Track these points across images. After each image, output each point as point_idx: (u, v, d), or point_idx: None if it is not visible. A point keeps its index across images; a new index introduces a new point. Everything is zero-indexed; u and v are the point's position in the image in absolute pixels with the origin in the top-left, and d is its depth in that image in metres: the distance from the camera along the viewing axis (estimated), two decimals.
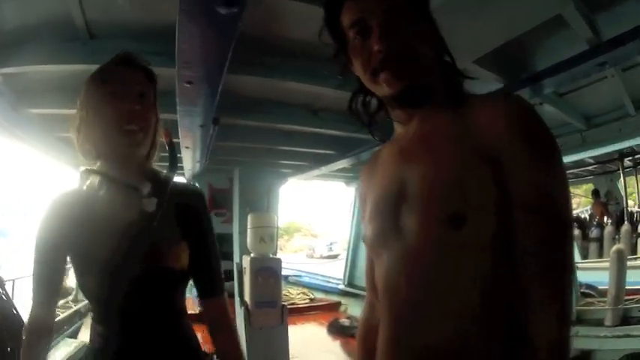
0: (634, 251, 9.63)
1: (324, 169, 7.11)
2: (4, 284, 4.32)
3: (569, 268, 1.16)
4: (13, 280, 4.61)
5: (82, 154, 1.74)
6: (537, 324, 1.08)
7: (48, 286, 1.72)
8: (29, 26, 3.21)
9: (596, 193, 13.25)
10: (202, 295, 1.88)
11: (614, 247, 6.20)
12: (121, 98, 1.62)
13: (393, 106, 1.41)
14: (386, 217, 1.32)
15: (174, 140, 2.17)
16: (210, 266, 1.86)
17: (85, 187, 1.68)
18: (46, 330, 1.76)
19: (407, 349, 1.24)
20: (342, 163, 6.55)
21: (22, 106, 4.32)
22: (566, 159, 6.62)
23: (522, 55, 3.59)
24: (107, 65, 1.74)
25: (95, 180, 1.66)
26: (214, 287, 1.90)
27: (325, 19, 1.45)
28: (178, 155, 1.96)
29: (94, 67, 3.74)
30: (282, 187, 8.32)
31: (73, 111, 3.54)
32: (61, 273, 1.73)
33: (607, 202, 12.98)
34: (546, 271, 1.10)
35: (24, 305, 4.62)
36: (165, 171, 1.80)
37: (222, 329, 1.90)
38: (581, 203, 21.76)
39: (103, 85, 1.67)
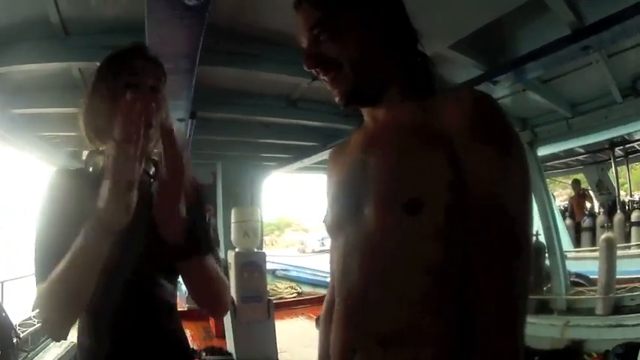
0: (627, 240, 9.71)
1: (306, 161, 7.11)
2: None
3: (518, 258, 1.10)
4: (2, 283, 4.55)
5: (87, 136, 1.72)
6: (485, 315, 1.09)
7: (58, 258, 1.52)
8: (5, 26, 3.21)
9: (577, 183, 13.36)
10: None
11: (603, 236, 6.20)
12: (137, 92, 1.57)
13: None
14: (344, 202, 1.33)
15: None
16: (198, 231, 1.69)
17: (90, 168, 1.68)
18: None
19: (359, 332, 1.24)
20: (324, 155, 6.43)
21: (4, 107, 4.31)
22: (555, 148, 6.61)
23: (502, 39, 3.55)
24: (121, 55, 1.69)
25: (101, 161, 1.67)
26: (199, 247, 1.70)
27: None
28: None
29: (73, 65, 3.71)
30: (265, 181, 8.30)
31: (54, 110, 3.44)
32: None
33: (585, 192, 13.10)
34: (494, 261, 1.09)
35: (12, 307, 4.59)
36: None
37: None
38: (570, 195, 21.99)
39: (119, 76, 1.63)
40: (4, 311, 4.36)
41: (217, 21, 2.66)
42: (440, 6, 2.45)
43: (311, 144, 6.47)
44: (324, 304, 1.66)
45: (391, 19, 1.32)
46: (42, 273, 1.51)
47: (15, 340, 4.33)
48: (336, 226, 1.36)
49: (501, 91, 4.13)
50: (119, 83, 1.61)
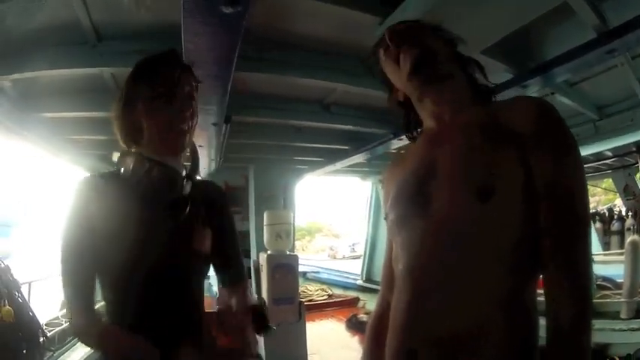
0: None
1: (338, 165, 7.12)
2: (20, 287, 4.38)
3: (586, 248, 1.23)
4: (29, 283, 4.67)
5: (120, 138, 1.80)
6: (559, 303, 1.18)
7: (87, 275, 1.68)
8: (36, 31, 3.25)
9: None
10: (224, 284, 1.96)
11: (630, 239, 6.13)
12: (173, 99, 1.70)
13: (423, 96, 1.54)
14: (412, 196, 1.40)
15: None
16: (230, 256, 1.95)
17: (122, 169, 1.75)
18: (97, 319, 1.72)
19: (418, 329, 1.28)
20: (357, 158, 6.56)
21: (33, 110, 4.38)
22: (583, 151, 6.61)
23: (530, 44, 3.60)
24: (155, 63, 1.78)
25: (132, 161, 1.73)
26: (235, 275, 1.98)
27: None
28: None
29: (104, 70, 3.79)
30: (298, 184, 8.34)
31: (85, 114, 3.56)
32: (95, 265, 1.70)
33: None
34: (565, 251, 1.19)
35: (39, 307, 4.70)
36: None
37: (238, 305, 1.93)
38: (600, 201, 21.54)
39: (154, 84, 1.71)
40: (32, 311, 4.45)
41: (250, 27, 2.70)
42: (472, 14, 2.52)
43: (343, 147, 6.50)
44: (374, 316, 1.72)
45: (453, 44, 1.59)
46: (68, 278, 1.64)
47: (42, 340, 4.41)
48: (402, 220, 1.43)
49: (530, 94, 4.17)
50: (155, 91, 1.70)
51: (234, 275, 1.98)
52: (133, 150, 1.78)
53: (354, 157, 6.54)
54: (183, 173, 1.80)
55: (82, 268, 1.65)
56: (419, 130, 1.66)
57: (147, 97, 1.72)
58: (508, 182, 1.23)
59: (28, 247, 22.70)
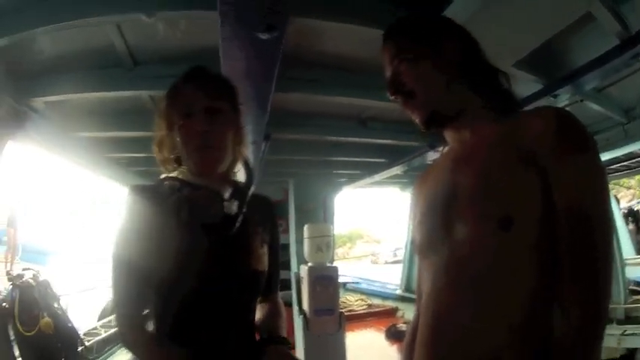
0: None
1: (376, 177, 7.17)
2: (60, 299, 4.51)
3: (608, 271, 1.21)
4: (68, 295, 4.82)
5: (161, 164, 1.79)
6: (571, 322, 1.17)
7: (135, 284, 1.62)
8: (71, 54, 3.37)
9: None
10: (264, 294, 1.90)
11: None
12: (190, 119, 1.65)
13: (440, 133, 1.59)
14: (435, 221, 1.43)
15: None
16: (273, 270, 1.90)
17: (165, 192, 1.70)
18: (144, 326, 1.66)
19: (444, 345, 1.33)
20: (394, 171, 6.62)
21: (71, 130, 4.52)
22: (614, 153, 6.55)
23: (557, 54, 3.62)
24: (177, 83, 1.75)
25: (175, 185, 1.70)
26: (273, 288, 1.95)
27: None
28: None
29: (141, 93, 3.88)
30: (337, 196, 8.40)
31: (123, 133, 3.64)
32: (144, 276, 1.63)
33: None
34: (586, 272, 1.18)
35: (78, 318, 4.85)
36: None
37: (272, 313, 1.90)
38: (636, 195, 21.06)
39: (174, 106, 1.70)
40: (70, 322, 4.57)
41: (287, 49, 2.75)
42: (502, 31, 2.57)
43: (381, 160, 6.54)
44: (409, 329, 1.75)
45: (464, 48, 1.50)
46: (117, 285, 1.62)
47: (80, 349, 4.52)
48: (426, 246, 1.48)
49: (561, 102, 4.19)
50: (174, 114, 1.68)
51: (270, 289, 1.92)
52: (171, 173, 1.76)
53: (391, 169, 6.61)
54: (226, 192, 1.71)
55: (131, 277, 1.62)
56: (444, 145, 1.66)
57: (168, 120, 1.71)
58: (528, 210, 1.24)
59: (65, 262, 23.01)
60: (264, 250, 1.79)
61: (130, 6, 2.69)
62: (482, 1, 2.46)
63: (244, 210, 1.72)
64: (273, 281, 1.93)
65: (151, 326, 1.65)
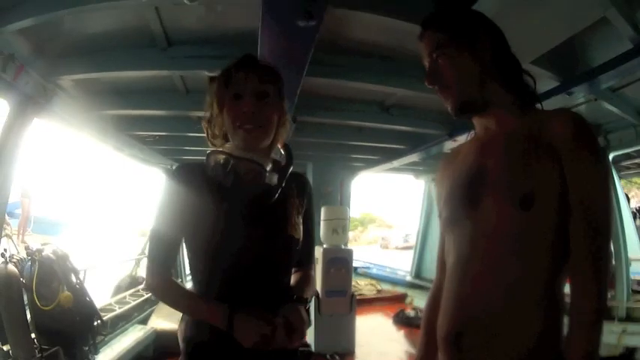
0: None
1: (395, 163, 7.27)
2: (79, 273, 4.55)
3: (607, 252, 1.40)
4: (84, 270, 4.85)
5: (210, 139, 1.93)
6: (582, 293, 1.35)
7: (171, 246, 1.82)
8: (106, 34, 3.46)
9: None
10: (298, 265, 2.02)
11: None
12: (240, 101, 1.77)
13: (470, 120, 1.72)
14: (462, 198, 1.58)
15: None
16: (307, 242, 1.99)
17: (211, 165, 1.82)
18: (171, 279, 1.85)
19: (468, 318, 1.48)
20: (412, 157, 6.72)
21: (97, 108, 4.62)
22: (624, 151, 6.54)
23: (575, 53, 3.72)
24: (229, 68, 1.85)
25: (221, 158, 1.80)
26: (306, 260, 2.03)
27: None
28: None
29: (173, 73, 3.96)
30: (354, 180, 8.49)
31: (144, 112, 3.68)
32: (180, 241, 1.84)
33: None
34: (590, 253, 1.36)
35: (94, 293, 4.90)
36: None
37: (302, 279, 2.00)
38: None
39: (226, 88, 1.81)
40: (89, 296, 4.60)
41: (320, 34, 2.83)
42: (522, 30, 2.63)
43: (400, 147, 6.64)
44: (430, 294, 1.90)
45: (496, 44, 1.62)
46: (154, 244, 1.83)
47: (96, 323, 4.56)
48: (453, 220, 1.63)
49: (576, 100, 4.34)
50: (227, 95, 1.81)
51: (306, 259, 2.04)
52: (218, 148, 1.88)
53: (409, 156, 6.70)
54: (269, 166, 1.83)
55: (168, 238, 1.81)
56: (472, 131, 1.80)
57: (220, 100, 1.83)
58: (546, 193, 1.40)
59: (78, 234, 23.12)
60: (300, 221, 1.91)
61: None
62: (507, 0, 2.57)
63: (284, 183, 1.84)
64: (306, 253, 2.02)
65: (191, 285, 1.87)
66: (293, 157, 1.97)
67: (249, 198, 1.79)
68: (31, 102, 3.54)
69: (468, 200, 1.54)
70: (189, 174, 1.83)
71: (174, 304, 1.82)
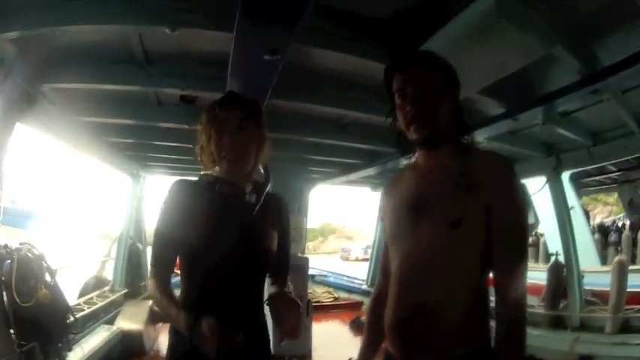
0: None
1: (352, 177, 7.57)
2: (54, 273, 4.67)
3: (524, 267, 1.77)
4: (56, 270, 4.93)
5: (203, 163, 2.22)
6: (504, 298, 1.72)
7: (168, 257, 2.08)
8: (86, 46, 3.64)
9: None
10: (272, 275, 2.31)
11: (616, 259, 6.46)
12: (222, 134, 2.07)
13: (418, 149, 2.01)
14: (404, 219, 1.92)
15: None
16: (281, 256, 2.26)
17: (202, 185, 2.14)
18: (169, 279, 2.10)
19: (410, 308, 1.82)
20: (368, 172, 7.03)
21: (74, 114, 4.82)
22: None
23: (523, 83, 4.01)
24: (215, 104, 2.13)
25: (210, 179, 2.15)
26: (282, 272, 2.33)
27: (384, 83, 2.00)
28: None
29: (149, 90, 4.32)
30: (312, 191, 8.78)
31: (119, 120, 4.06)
32: (176, 251, 2.07)
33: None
34: (511, 265, 1.75)
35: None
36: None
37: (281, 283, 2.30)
38: (613, 212, 21.59)
39: (212, 122, 2.11)
40: (63, 295, 4.69)
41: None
42: (469, 65, 2.82)
43: (356, 162, 6.92)
44: (372, 296, 2.29)
45: (454, 88, 1.95)
46: (154, 256, 2.09)
47: (69, 321, 4.69)
48: (397, 236, 1.97)
49: (522, 124, 4.64)
50: (212, 129, 2.10)
51: (280, 272, 2.31)
52: (209, 171, 2.20)
53: (366, 170, 7.01)
54: (249, 188, 2.15)
55: (165, 251, 2.07)
56: (412, 155, 2.09)
57: (207, 131, 2.12)
58: (471, 218, 1.75)
59: (48, 229, 22.62)
60: (274, 235, 2.19)
61: (156, 19, 3.03)
62: (456, 38, 2.88)
63: (261, 202, 2.15)
64: (281, 266, 2.30)
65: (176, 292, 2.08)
66: (270, 178, 2.29)
67: (231, 215, 2.07)
68: (16, 107, 3.73)
69: (410, 220, 1.88)
70: (186, 189, 2.11)
71: (157, 303, 2.10)
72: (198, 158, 2.25)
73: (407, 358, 1.85)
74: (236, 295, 2.05)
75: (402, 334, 1.85)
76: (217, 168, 2.17)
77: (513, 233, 1.76)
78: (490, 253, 1.76)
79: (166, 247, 2.08)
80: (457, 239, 1.76)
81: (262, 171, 2.30)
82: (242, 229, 2.08)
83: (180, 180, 2.18)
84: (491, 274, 1.81)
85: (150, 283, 2.09)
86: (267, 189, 2.24)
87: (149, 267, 2.16)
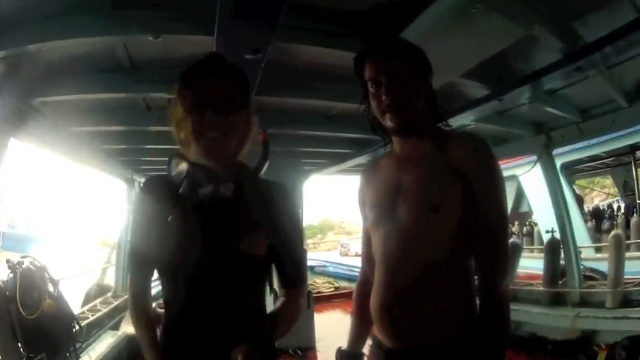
0: None
1: (342, 166, 7.64)
2: (58, 284, 4.72)
3: (506, 244, 1.90)
4: (59, 280, 4.97)
5: (179, 144, 1.86)
6: (487, 278, 1.80)
7: (145, 265, 1.83)
8: (72, 57, 3.65)
9: None
10: (282, 286, 1.96)
11: (612, 233, 6.56)
12: (202, 107, 1.69)
13: (394, 136, 2.04)
14: (385, 205, 1.98)
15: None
16: (284, 259, 1.90)
17: (173, 173, 1.81)
18: (148, 303, 1.87)
19: (396, 294, 1.88)
20: (359, 160, 7.09)
21: (65, 124, 4.84)
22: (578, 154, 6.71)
23: (505, 64, 4.06)
24: (193, 68, 1.77)
25: (185, 170, 1.78)
26: (288, 280, 1.96)
27: (355, 72, 2.03)
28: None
29: (138, 96, 4.35)
30: (305, 183, 8.80)
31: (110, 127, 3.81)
32: (153, 253, 1.77)
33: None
34: (495, 247, 1.83)
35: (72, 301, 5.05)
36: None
37: (275, 311, 1.92)
38: (610, 193, 21.74)
39: (188, 92, 1.74)
40: (67, 304, 4.81)
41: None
42: (449, 49, 2.99)
43: (347, 151, 6.99)
44: (357, 285, 2.41)
45: (427, 74, 1.99)
46: (133, 288, 1.86)
47: (74, 330, 4.75)
48: (377, 222, 2.01)
49: (508, 104, 4.73)
50: (189, 99, 1.73)
51: (289, 279, 1.96)
52: (185, 157, 1.83)
53: (356, 159, 7.08)
54: (225, 176, 1.79)
55: (141, 261, 1.82)
56: (388, 142, 2.12)
57: (181, 103, 1.76)
58: (450, 202, 1.80)
59: (48, 249, 22.69)
60: (259, 234, 1.78)
61: (139, 29, 3.08)
62: (432, 26, 2.91)
63: (242, 194, 1.79)
64: (286, 272, 1.95)
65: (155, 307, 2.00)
66: (263, 163, 2.03)
67: (208, 215, 1.74)
68: (9, 123, 3.75)
69: (391, 207, 1.94)
70: (154, 189, 1.83)
71: (138, 338, 1.82)
72: (175, 137, 1.89)
73: (394, 343, 1.90)
74: (230, 308, 1.74)
75: (389, 320, 1.89)
76: (194, 149, 1.81)
77: (493, 211, 1.82)
78: (473, 235, 1.81)
79: (142, 270, 1.85)
80: (439, 223, 1.82)
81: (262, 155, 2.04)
82: (221, 230, 1.75)
83: (151, 179, 1.93)
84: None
85: (130, 315, 1.89)
86: (265, 167, 2.00)
87: (128, 293, 1.88)
